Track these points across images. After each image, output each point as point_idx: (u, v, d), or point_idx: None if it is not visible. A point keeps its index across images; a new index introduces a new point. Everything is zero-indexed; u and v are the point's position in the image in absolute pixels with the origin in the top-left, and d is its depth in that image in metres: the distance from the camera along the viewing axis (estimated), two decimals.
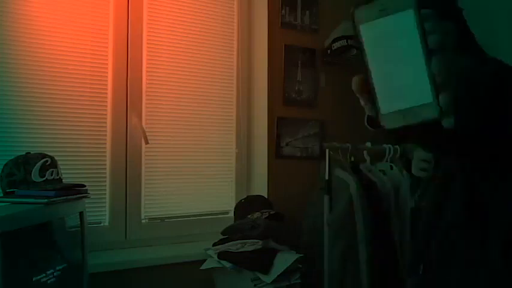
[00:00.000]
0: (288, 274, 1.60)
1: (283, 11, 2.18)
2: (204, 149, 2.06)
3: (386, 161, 1.99)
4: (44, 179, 1.39)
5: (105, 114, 1.83)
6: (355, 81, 0.59)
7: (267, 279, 1.55)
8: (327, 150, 1.89)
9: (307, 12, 2.25)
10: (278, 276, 1.56)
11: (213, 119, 2.09)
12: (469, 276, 0.96)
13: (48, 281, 1.19)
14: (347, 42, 2.14)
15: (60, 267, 1.27)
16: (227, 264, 1.61)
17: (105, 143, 1.83)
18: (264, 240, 1.64)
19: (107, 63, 1.84)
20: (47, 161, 1.42)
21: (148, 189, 1.92)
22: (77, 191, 1.41)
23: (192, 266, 1.75)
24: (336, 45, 2.16)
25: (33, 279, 1.12)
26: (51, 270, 1.21)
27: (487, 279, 0.93)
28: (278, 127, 2.15)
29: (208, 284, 1.75)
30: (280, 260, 1.61)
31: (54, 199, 1.25)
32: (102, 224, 1.82)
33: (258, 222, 1.72)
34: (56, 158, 1.48)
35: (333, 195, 1.84)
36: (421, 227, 1.40)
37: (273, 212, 1.83)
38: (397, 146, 1.99)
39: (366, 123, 2.15)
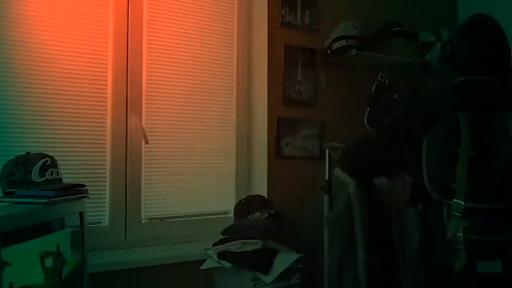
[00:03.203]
0: (288, 274, 1.60)
1: (283, 11, 2.18)
2: (204, 149, 2.06)
3: None
4: (44, 179, 1.39)
5: (105, 114, 1.83)
6: None
7: (267, 279, 1.55)
8: (327, 150, 1.89)
9: (307, 12, 2.25)
10: (278, 276, 1.56)
11: (213, 119, 2.09)
12: None
13: (48, 281, 1.18)
14: (347, 42, 2.14)
15: (60, 267, 1.27)
16: (227, 264, 1.61)
17: (105, 143, 1.83)
18: (264, 240, 1.64)
19: (107, 63, 1.84)
20: (47, 161, 1.42)
21: (148, 189, 1.92)
22: (77, 191, 1.41)
23: (192, 266, 1.75)
24: (336, 45, 2.16)
25: (33, 279, 1.12)
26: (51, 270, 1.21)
27: None
28: (278, 127, 2.15)
29: (208, 284, 1.75)
30: (280, 260, 1.61)
31: (54, 199, 1.25)
32: (102, 224, 1.82)
33: (258, 222, 1.72)
34: (56, 158, 1.48)
35: (332, 195, 1.84)
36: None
37: (273, 212, 1.83)
38: None
39: (366, 123, 2.21)
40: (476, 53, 1.34)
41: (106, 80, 1.84)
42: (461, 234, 1.15)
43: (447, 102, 1.31)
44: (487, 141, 1.17)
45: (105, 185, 1.82)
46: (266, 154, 2.11)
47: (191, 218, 2.02)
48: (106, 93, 1.84)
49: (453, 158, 1.17)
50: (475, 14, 1.42)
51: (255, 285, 1.56)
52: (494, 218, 1.15)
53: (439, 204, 1.22)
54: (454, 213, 1.17)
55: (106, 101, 1.84)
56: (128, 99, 1.87)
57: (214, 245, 1.72)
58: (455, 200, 1.17)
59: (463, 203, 1.15)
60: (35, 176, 1.37)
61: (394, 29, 2.31)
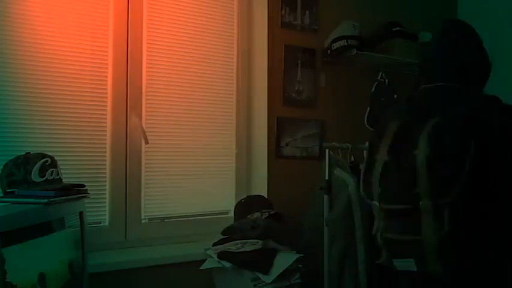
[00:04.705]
0: (288, 274, 1.60)
1: (283, 11, 2.18)
2: (204, 149, 2.06)
3: None
4: (44, 179, 1.39)
5: (105, 114, 1.83)
6: None
7: (267, 279, 1.55)
8: (327, 150, 1.89)
9: (307, 12, 2.25)
10: (278, 276, 1.56)
11: (213, 119, 2.09)
12: None
13: (48, 281, 1.19)
14: (347, 42, 2.14)
15: (60, 267, 1.27)
16: (227, 264, 1.61)
17: (105, 143, 1.83)
18: (264, 240, 1.64)
19: (107, 63, 1.84)
20: (47, 161, 1.42)
21: (148, 189, 1.92)
22: (76, 191, 1.41)
23: (192, 266, 1.75)
24: (336, 45, 2.16)
25: (33, 279, 1.12)
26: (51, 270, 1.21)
27: None
28: (278, 127, 2.15)
29: (208, 284, 1.75)
30: (280, 260, 1.61)
31: (54, 199, 1.25)
32: (102, 224, 1.82)
33: (258, 222, 1.72)
34: (56, 158, 1.48)
35: (332, 195, 1.84)
36: None
37: (273, 212, 1.83)
38: None
39: (366, 123, 2.24)
40: (438, 59, 1.34)
41: (106, 80, 1.84)
42: (380, 233, 1.26)
43: (391, 113, 1.41)
44: (402, 148, 1.24)
45: (105, 185, 1.82)
46: (266, 154, 2.11)
47: (191, 218, 2.02)
48: (106, 93, 1.84)
49: (373, 163, 1.29)
50: (445, 21, 1.41)
51: (255, 285, 1.56)
52: (404, 219, 1.21)
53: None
54: (375, 213, 1.30)
55: (106, 101, 1.84)
56: (128, 99, 1.87)
57: (214, 245, 1.72)
58: (373, 201, 1.29)
59: (378, 204, 1.26)
60: (35, 176, 1.37)
61: (394, 29, 2.31)
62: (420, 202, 1.16)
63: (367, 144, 1.44)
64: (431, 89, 1.33)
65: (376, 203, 1.27)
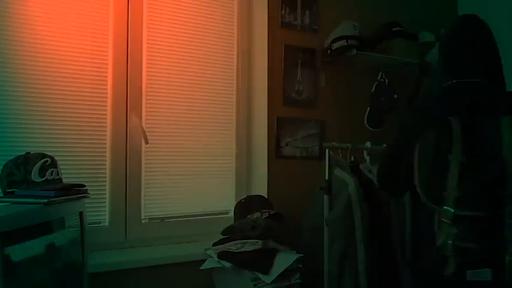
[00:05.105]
0: (288, 274, 1.60)
1: (283, 11, 2.18)
2: (204, 149, 2.06)
3: None
4: (44, 179, 1.39)
5: (105, 114, 1.83)
6: None
7: (267, 279, 1.55)
8: (327, 150, 1.89)
9: (307, 12, 2.25)
10: (278, 276, 1.56)
11: (213, 119, 2.09)
12: None
13: (48, 281, 1.19)
14: (347, 42, 2.14)
15: (60, 267, 1.28)
16: (227, 264, 1.61)
17: (105, 143, 1.83)
18: (264, 240, 1.64)
19: (107, 63, 1.84)
20: (47, 161, 1.42)
21: (148, 189, 1.92)
22: (76, 191, 1.41)
23: (192, 266, 1.75)
24: (336, 45, 2.16)
25: (33, 279, 1.12)
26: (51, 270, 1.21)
27: None
28: (278, 127, 2.15)
29: (208, 284, 1.75)
30: (280, 260, 1.61)
31: (54, 199, 1.25)
32: (102, 224, 1.82)
33: (258, 222, 1.72)
34: (56, 158, 1.48)
35: (332, 195, 1.84)
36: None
37: (273, 212, 1.83)
38: None
39: (366, 123, 2.25)
40: (469, 55, 1.33)
41: (106, 80, 1.84)
42: (451, 242, 1.14)
43: (439, 107, 1.31)
44: (478, 148, 1.16)
45: (105, 185, 1.82)
46: (266, 154, 2.11)
47: (191, 218, 2.02)
48: (106, 93, 1.84)
49: (444, 164, 1.17)
50: (466, 15, 1.41)
51: (255, 285, 1.56)
52: (484, 225, 1.14)
53: (429, 210, 1.22)
54: (443, 220, 1.17)
55: (106, 101, 1.84)
56: (128, 99, 1.87)
57: (214, 245, 1.72)
58: (445, 207, 1.16)
59: (452, 210, 1.15)
60: (35, 176, 1.37)
61: (394, 29, 2.31)
62: (508, 207, 1.09)
63: (411, 144, 1.27)
64: (468, 85, 1.30)
65: (448, 208, 1.16)
